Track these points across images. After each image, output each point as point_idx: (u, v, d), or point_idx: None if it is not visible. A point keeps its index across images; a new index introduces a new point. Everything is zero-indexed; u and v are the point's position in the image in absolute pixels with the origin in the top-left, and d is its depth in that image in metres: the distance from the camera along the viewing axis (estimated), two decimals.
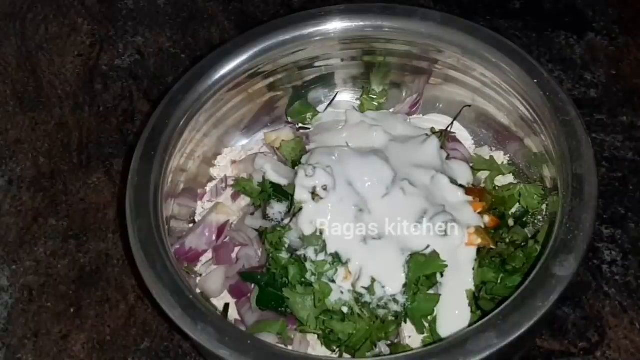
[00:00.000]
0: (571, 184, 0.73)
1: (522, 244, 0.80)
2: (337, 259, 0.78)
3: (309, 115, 0.95)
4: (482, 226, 0.80)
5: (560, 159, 0.77)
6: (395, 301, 0.77)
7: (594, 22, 1.08)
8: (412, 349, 0.76)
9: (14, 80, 1.09)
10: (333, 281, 0.77)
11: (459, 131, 0.93)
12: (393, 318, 0.77)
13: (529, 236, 0.82)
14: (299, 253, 0.78)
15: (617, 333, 0.82)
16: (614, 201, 0.91)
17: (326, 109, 0.96)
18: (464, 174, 0.87)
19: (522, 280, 0.74)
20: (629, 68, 1.03)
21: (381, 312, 0.77)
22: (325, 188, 0.79)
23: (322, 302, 0.77)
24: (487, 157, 0.90)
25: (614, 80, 1.02)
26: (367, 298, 0.77)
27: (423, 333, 0.77)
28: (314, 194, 0.79)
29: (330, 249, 0.78)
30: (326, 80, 0.95)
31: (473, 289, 0.77)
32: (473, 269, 0.78)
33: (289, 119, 0.95)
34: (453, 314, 0.77)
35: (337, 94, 0.96)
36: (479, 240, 0.78)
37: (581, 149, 0.75)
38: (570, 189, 0.73)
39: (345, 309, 0.77)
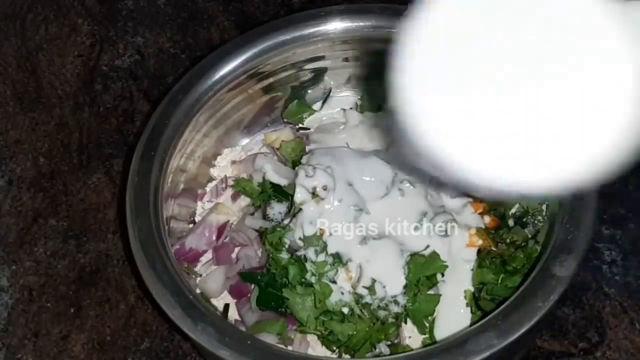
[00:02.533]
0: None
1: (522, 244, 0.80)
2: (337, 259, 0.78)
3: (305, 115, 0.95)
4: (483, 227, 0.80)
5: None
6: (396, 302, 0.77)
7: None
8: (412, 349, 0.76)
9: (14, 81, 1.09)
10: (334, 282, 0.77)
11: None
12: (393, 320, 0.77)
13: (529, 236, 0.82)
14: (299, 254, 0.78)
15: (617, 333, 0.82)
16: (614, 201, 0.91)
17: (322, 107, 0.96)
18: None
19: (522, 281, 0.74)
20: None
21: (382, 313, 0.77)
22: (325, 188, 0.79)
23: (323, 303, 0.77)
24: None
25: None
26: (368, 299, 0.77)
27: (425, 334, 0.77)
28: (314, 194, 0.79)
29: (331, 249, 0.78)
30: (326, 80, 0.95)
31: (472, 289, 0.77)
32: (472, 269, 0.78)
33: (286, 120, 0.95)
34: (453, 315, 0.77)
35: (330, 91, 0.96)
36: (480, 242, 0.78)
37: None
38: None
39: (345, 310, 0.77)
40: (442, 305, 0.77)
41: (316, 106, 0.96)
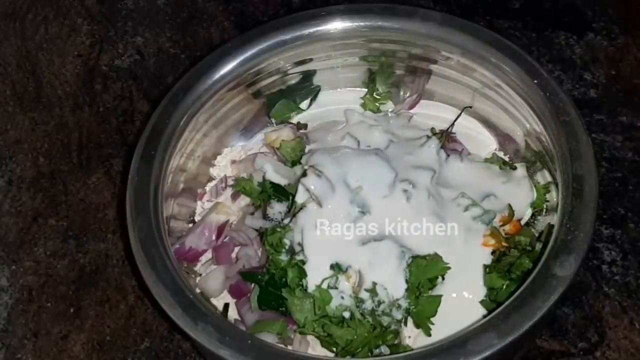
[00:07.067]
0: (571, 184, 0.73)
1: (529, 248, 0.79)
2: (337, 268, 0.77)
3: (293, 114, 0.95)
4: (499, 230, 0.80)
5: (560, 159, 0.77)
6: (398, 306, 0.76)
7: (594, 22, 1.08)
8: (412, 349, 0.76)
9: (14, 80, 1.09)
10: (334, 287, 0.77)
11: (480, 135, 0.92)
12: (396, 326, 0.77)
13: (536, 235, 0.81)
14: (298, 258, 0.78)
15: (616, 333, 0.83)
16: (614, 201, 0.91)
17: (309, 106, 0.95)
18: None
19: (522, 281, 0.74)
20: (628, 68, 1.03)
21: (386, 319, 0.76)
22: (325, 189, 0.79)
23: (322, 309, 0.76)
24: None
25: (614, 80, 1.02)
26: (369, 304, 0.77)
27: (429, 335, 0.76)
28: (314, 195, 0.79)
29: (331, 259, 0.78)
30: (317, 79, 0.95)
31: (486, 290, 0.77)
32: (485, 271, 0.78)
33: (273, 121, 0.95)
34: (466, 316, 0.76)
35: (319, 90, 0.95)
36: (493, 242, 0.78)
37: (581, 149, 0.75)
38: (570, 189, 0.73)
39: (346, 315, 0.77)
40: (454, 305, 0.77)
41: (304, 105, 0.96)
